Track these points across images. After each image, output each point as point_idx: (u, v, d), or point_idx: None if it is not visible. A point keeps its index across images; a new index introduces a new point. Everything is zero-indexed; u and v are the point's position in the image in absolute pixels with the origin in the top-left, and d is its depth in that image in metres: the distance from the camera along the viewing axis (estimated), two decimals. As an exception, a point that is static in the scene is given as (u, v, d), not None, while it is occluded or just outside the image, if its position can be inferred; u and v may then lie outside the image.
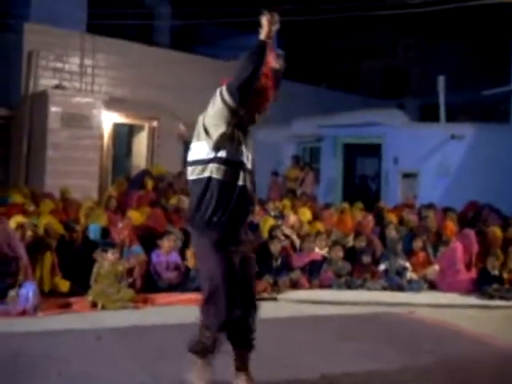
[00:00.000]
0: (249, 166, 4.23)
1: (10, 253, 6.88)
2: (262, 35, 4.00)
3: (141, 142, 15.69)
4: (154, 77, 15.23)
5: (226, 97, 4.06)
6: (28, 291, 6.73)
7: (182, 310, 7.31)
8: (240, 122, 4.18)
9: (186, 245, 8.70)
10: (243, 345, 4.34)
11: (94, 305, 7.21)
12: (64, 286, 7.64)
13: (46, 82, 14.01)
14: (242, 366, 4.36)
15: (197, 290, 8.06)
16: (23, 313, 6.65)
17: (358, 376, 4.95)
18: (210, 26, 17.73)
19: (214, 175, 4.11)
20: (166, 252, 8.38)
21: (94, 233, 8.49)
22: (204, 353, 4.29)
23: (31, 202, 9.78)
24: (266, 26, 3.98)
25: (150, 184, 12.05)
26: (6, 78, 14.21)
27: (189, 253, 8.55)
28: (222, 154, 4.12)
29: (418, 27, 23.36)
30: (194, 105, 14.75)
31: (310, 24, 16.71)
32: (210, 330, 4.23)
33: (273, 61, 4.17)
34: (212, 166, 4.12)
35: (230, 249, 4.18)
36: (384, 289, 9.07)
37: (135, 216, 9.23)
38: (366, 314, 7.52)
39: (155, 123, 15.52)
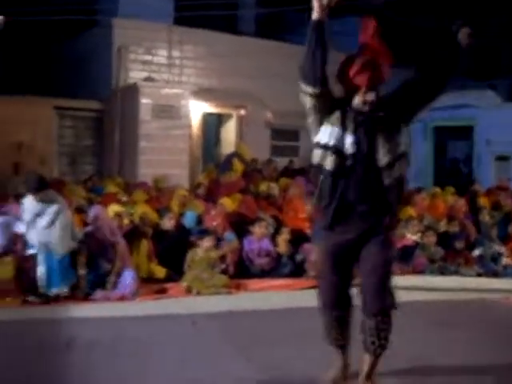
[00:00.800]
0: (350, 149, 3.86)
1: (109, 240, 7.15)
2: (313, 14, 3.80)
3: (229, 131, 15.86)
4: (241, 66, 15.32)
5: (301, 83, 3.93)
6: (127, 277, 6.98)
7: (274, 296, 7.41)
8: (331, 103, 3.93)
9: (277, 231, 8.78)
10: (372, 350, 4.01)
11: (188, 290, 7.39)
12: (160, 272, 7.87)
13: (135, 74, 14.32)
14: (368, 372, 4.09)
15: (288, 275, 8.22)
16: (122, 298, 6.90)
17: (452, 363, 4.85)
18: (295, 13, 17.65)
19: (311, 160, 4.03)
20: (258, 238, 8.47)
21: (189, 220, 8.67)
22: (331, 341, 4.18)
23: (124, 191, 10.07)
24: (316, 3, 3.78)
25: (238, 166, 12.20)
26: (97, 72, 14.64)
27: (280, 239, 8.64)
28: (313, 137, 4.05)
29: (510, 5, 22.46)
30: (281, 92, 15.01)
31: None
32: (322, 311, 4.14)
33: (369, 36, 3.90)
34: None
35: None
36: (478, 275, 8.84)
37: (227, 203, 9.37)
38: (460, 301, 7.36)
39: (243, 111, 15.64)
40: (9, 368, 4.55)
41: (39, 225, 6.83)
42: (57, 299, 6.73)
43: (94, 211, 7.37)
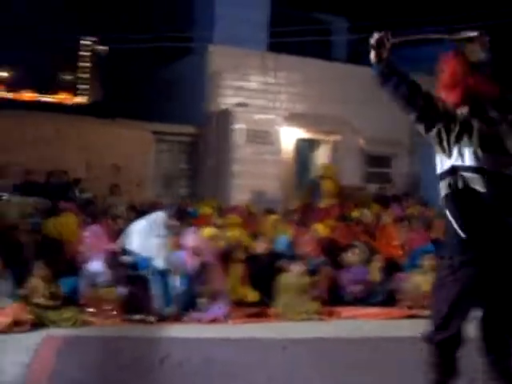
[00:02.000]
0: (468, 162, 3.46)
1: (204, 262, 7.24)
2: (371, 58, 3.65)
3: (321, 157, 15.81)
4: (334, 91, 15.31)
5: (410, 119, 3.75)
6: (220, 300, 7.03)
7: (366, 324, 7.29)
8: (442, 125, 3.55)
9: (370, 258, 8.65)
10: None
11: (280, 315, 7.35)
12: (252, 296, 7.86)
13: (229, 100, 14.57)
14: None
15: (380, 304, 8.05)
16: (214, 320, 6.95)
17: None
18: (389, 38, 17.50)
19: None
20: (351, 265, 8.36)
21: (281, 245, 8.68)
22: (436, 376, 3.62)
23: (218, 215, 10.18)
24: (372, 48, 3.62)
25: (330, 187, 12.14)
26: (192, 97, 14.99)
27: (373, 266, 8.50)
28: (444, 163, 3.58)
29: None
30: (374, 118, 14.87)
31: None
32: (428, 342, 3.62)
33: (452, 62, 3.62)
34: None
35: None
36: None
37: (320, 229, 9.32)
38: None
39: (336, 137, 15.60)
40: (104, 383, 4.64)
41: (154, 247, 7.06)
42: (167, 319, 6.88)
43: (190, 233, 7.48)
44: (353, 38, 18.42)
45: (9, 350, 5.47)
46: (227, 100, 14.53)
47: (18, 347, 5.56)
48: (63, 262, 7.67)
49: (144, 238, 7.24)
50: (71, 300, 6.96)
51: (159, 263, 7.22)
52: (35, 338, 5.92)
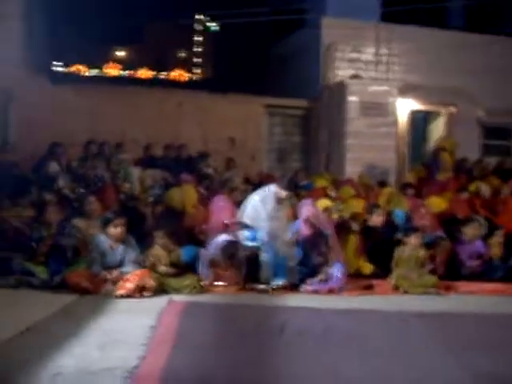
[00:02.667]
0: None
1: (322, 233, 7.29)
2: None
3: (437, 129, 15.44)
4: (450, 61, 14.84)
5: None
6: (337, 271, 7.07)
7: (485, 300, 7.12)
8: None
9: (489, 233, 8.40)
10: None
11: (396, 288, 7.31)
12: (367, 268, 7.87)
13: (342, 72, 14.45)
14: None
15: (500, 280, 7.82)
16: (331, 291, 7.00)
17: None
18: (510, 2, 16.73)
19: None
20: (470, 240, 8.16)
21: (398, 217, 8.59)
22: None
23: (333, 187, 10.18)
24: None
25: (448, 160, 11.84)
26: (305, 70, 14.99)
27: (493, 241, 8.26)
28: None
29: None
30: (493, 89, 14.31)
31: None
32: None
33: None
34: None
35: None
36: None
37: (436, 202, 9.15)
38: None
39: (453, 109, 15.16)
40: (228, 349, 4.78)
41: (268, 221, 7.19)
42: (283, 289, 7.01)
43: (305, 205, 7.53)
44: (470, 4, 17.70)
45: (135, 313, 5.75)
46: (340, 72, 14.41)
47: (143, 311, 5.84)
48: (183, 231, 7.96)
49: (258, 210, 7.35)
50: (191, 268, 7.23)
51: (275, 235, 7.29)
52: (159, 302, 6.18)
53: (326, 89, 14.33)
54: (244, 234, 7.36)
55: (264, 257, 7.09)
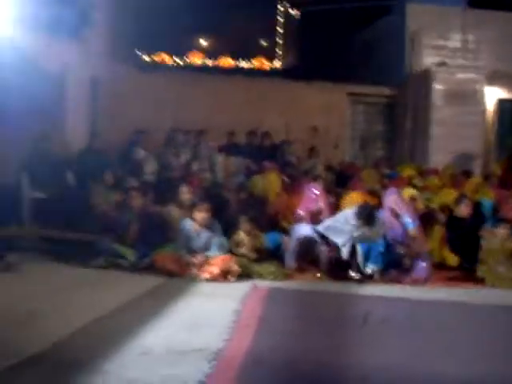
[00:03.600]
0: None
1: (404, 223, 7.20)
2: None
3: (527, 118, 14.95)
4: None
5: None
6: (421, 261, 6.98)
7: None
8: None
9: None
10: None
11: (482, 281, 7.13)
12: (452, 259, 7.71)
13: (428, 60, 14.17)
14: None
15: None
16: (415, 281, 6.91)
17: None
18: None
19: None
20: None
21: (485, 208, 8.38)
22: None
23: (420, 177, 10.01)
24: None
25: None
26: (389, 58, 14.77)
27: None
28: None
29: None
30: None
31: None
32: None
33: None
34: None
35: None
36: None
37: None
38: None
39: (543, 97, 14.63)
40: (311, 336, 4.81)
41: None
42: (368, 278, 6.99)
43: (390, 194, 7.45)
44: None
45: (219, 297, 5.86)
46: (426, 60, 14.13)
47: (227, 295, 5.94)
48: (266, 218, 8.02)
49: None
50: (274, 254, 7.29)
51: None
52: (242, 287, 6.28)
53: (411, 76, 14.09)
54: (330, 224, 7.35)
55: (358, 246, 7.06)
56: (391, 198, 7.35)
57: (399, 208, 7.24)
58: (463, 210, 8.14)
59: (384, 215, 7.34)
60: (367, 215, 6.98)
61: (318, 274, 7.02)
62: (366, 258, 6.97)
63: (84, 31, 10.84)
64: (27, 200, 8.91)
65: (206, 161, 9.99)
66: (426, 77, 13.58)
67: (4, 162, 8.67)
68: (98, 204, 8.52)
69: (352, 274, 6.95)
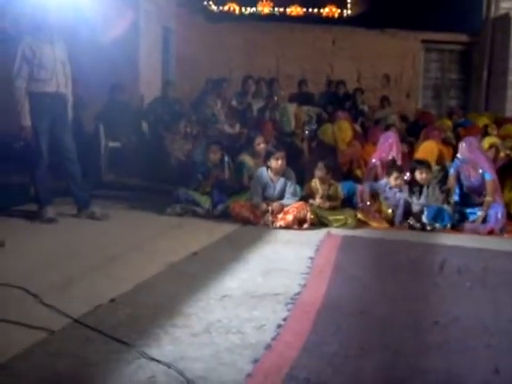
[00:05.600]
0: None
1: (480, 173, 7.06)
2: None
3: None
4: None
5: None
6: (497, 212, 6.86)
7: None
8: None
9: None
10: None
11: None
12: (529, 211, 7.54)
13: (507, 4, 13.60)
14: None
15: None
16: (491, 232, 6.81)
17: None
18: None
19: None
20: None
21: None
22: None
23: (495, 125, 9.74)
24: None
25: None
26: (466, 3, 14.23)
27: None
28: None
29: None
30: None
31: None
32: None
33: None
34: None
35: None
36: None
37: None
38: None
39: None
40: (386, 283, 4.82)
41: None
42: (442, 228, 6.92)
43: (467, 143, 7.29)
44: None
45: (294, 244, 5.92)
46: (505, 4, 13.58)
47: (301, 242, 6.00)
48: (340, 166, 8.01)
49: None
50: (348, 202, 7.30)
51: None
52: (317, 235, 6.33)
53: (488, 22, 13.59)
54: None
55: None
56: (469, 147, 7.20)
57: (476, 157, 7.09)
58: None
59: (461, 164, 7.22)
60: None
61: (386, 223, 7.01)
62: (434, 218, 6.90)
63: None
64: (104, 149, 9.16)
65: (278, 109, 9.97)
66: (504, 23, 13.09)
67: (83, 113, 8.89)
68: (172, 153, 8.68)
69: (412, 221, 6.90)
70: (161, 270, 4.76)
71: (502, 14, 13.37)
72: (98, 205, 6.96)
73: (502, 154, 7.69)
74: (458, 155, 7.33)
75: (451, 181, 7.24)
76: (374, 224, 6.98)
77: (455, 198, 7.19)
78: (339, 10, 17.28)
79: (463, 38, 14.09)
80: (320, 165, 7.15)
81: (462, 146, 7.29)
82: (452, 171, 7.30)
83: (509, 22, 12.97)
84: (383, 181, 7.33)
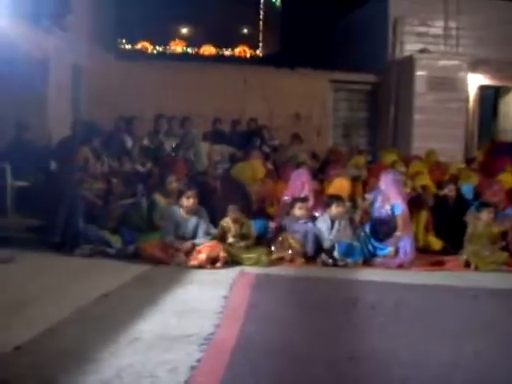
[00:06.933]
0: None
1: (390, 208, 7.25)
2: None
3: (508, 104, 15.05)
4: (523, 34, 14.39)
5: None
6: (406, 245, 7.03)
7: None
8: None
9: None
10: None
11: (467, 264, 7.20)
12: (436, 244, 7.78)
13: (411, 46, 14.22)
14: None
15: None
16: (400, 266, 6.96)
17: None
18: None
19: None
20: (542, 217, 7.97)
21: (466, 193, 8.46)
22: None
23: (402, 163, 10.05)
24: None
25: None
26: (372, 45, 14.79)
27: None
28: None
29: None
30: None
31: None
32: None
33: None
34: None
35: None
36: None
37: (508, 179, 8.95)
38: None
39: (523, 84, 14.76)
40: (301, 321, 4.82)
41: None
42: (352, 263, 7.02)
43: (383, 175, 7.48)
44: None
45: (207, 284, 5.86)
46: (408, 47, 14.19)
47: (215, 281, 5.94)
48: (252, 205, 8.03)
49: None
50: (261, 241, 7.31)
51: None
52: (230, 274, 6.29)
53: (393, 63, 14.14)
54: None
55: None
56: (384, 179, 7.39)
57: (389, 190, 7.28)
58: (446, 195, 8.24)
59: (375, 196, 7.40)
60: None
61: (303, 260, 7.05)
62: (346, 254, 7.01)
63: (65, 19, 10.72)
64: (10, 189, 8.84)
65: (190, 148, 9.95)
66: (408, 64, 13.66)
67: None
68: (82, 191, 8.47)
69: (324, 257, 6.98)
70: (69, 314, 4.59)
71: (406, 56, 13.94)
72: (4, 247, 6.69)
73: (407, 190, 7.93)
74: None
75: (361, 212, 7.41)
76: (288, 260, 7.01)
77: (366, 229, 7.32)
78: (251, 50, 17.59)
79: (370, 78, 14.56)
80: (232, 207, 7.15)
81: (381, 178, 7.49)
82: (369, 200, 7.48)
83: (413, 63, 13.52)
84: (290, 216, 7.41)
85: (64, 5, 10.59)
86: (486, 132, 14.81)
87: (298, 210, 7.35)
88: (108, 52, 13.04)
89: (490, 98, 15.33)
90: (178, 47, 18.14)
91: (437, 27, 14.57)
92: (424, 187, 8.34)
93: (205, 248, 6.63)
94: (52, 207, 8.46)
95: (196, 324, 4.45)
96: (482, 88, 14.67)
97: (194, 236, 6.90)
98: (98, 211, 7.61)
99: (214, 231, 7.10)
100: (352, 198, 8.14)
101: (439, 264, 7.28)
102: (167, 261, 6.61)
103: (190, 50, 18.27)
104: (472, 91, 14.31)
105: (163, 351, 3.85)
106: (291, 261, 7.01)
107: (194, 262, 6.53)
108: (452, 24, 14.60)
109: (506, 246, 7.56)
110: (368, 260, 7.09)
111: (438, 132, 12.96)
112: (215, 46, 18.63)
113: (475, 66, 14.07)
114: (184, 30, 19.08)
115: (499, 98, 15.30)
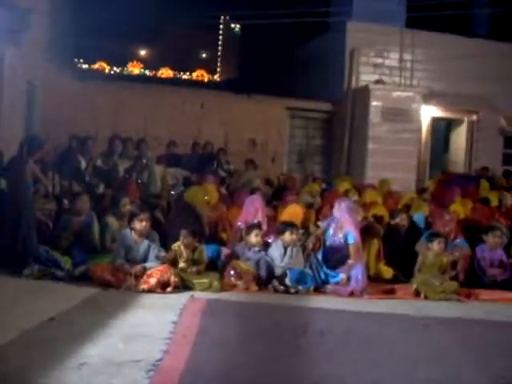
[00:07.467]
0: None
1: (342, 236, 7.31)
2: None
3: (459, 136, 15.41)
4: (474, 69, 14.79)
5: None
6: (358, 273, 7.07)
7: (505, 308, 7.07)
8: None
9: (511, 241, 8.36)
10: None
11: (417, 293, 7.27)
12: (387, 272, 7.86)
13: (366, 77, 14.47)
14: None
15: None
16: (352, 293, 7.00)
17: None
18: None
19: None
20: (491, 248, 8.12)
21: (417, 223, 8.58)
22: None
23: (355, 191, 10.17)
24: None
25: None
26: (329, 74, 15.01)
27: (515, 250, 8.21)
28: None
29: None
30: (516, 98, 14.21)
31: None
32: None
33: None
34: None
35: None
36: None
37: (459, 210, 9.12)
38: None
39: (474, 117, 15.14)
40: (250, 347, 4.79)
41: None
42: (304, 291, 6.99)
43: (337, 203, 7.55)
44: (495, 12, 17.58)
45: (157, 308, 5.78)
46: (364, 77, 14.44)
47: (165, 306, 5.87)
48: (204, 229, 7.99)
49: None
50: (213, 266, 7.26)
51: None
52: (180, 298, 6.21)
53: (349, 93, 14.34)
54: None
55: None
56: (338, 207, 7.46)
57: (343, 218, 7.35)
58: (397, 224, 8.35)
59: (328, 224, 7.45)
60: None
61: (256, 287, 7.02)
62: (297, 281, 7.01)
63: (21, 36, 10.58)
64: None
65: (145, 171, 9.89)
66: (363, 94, 13.88)
67: None
68: (32, 211, 8.30)
69: (275, 283, 6.98)
70: (13, 338, 4.47)
71: (362, 86, 14.16)
72: None
73: (358, 218, 8.01)
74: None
75: (314, 240, 7.45)
76: (240, 286, 6.97)
77: (318, 256, 7.34)
78: (209, 75, 17.67)
79: (326, 106, 14.74)
80: (185, 232, 7.08)
81: (335, 205, 7.55)
82: (322, 228, 7.52)
83: (368, 94, 13.75)
84: (243, 243, 7.41)
85: (21, 22, 10.46)
86: (437, 163, 15.11)
87: (253, 238, 7.34)
88: (64, 70, 12.92)
89: (442, 130, 15.68)
90: (135, 69, 18.11)
91: (392, 59, 14.88)
92: (376, 216, 8.43)
93: (155, 272, 6.54)
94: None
95: (144, 349, 4.39)
96: (435, 120, 15.00)
97: (145, 259, 6.81)
98: (48, 232, 7.48)
99: (163, 254, 7.01)
100: (305, 225, 8.18)
101: (390, 292, 7.32)
102: (117, 284, 6.49)
103: (147, 72, 18.29)
104: (425, 123, 14.62)
105: (110, 377, 3.79)
106: (245, 288, 6.96)
107: (144, 286, 6.43)
108: (407, 56, 14.93)
109: (456, 275, 7.69)
110: (320, 287, 7.09)
111: (391, 162, 13.17)
112: (173, 69, 18.67)
113: (429, 98, 14.38)
114: (142, 52, 19.07)
115: (451, 130, 15.65)
